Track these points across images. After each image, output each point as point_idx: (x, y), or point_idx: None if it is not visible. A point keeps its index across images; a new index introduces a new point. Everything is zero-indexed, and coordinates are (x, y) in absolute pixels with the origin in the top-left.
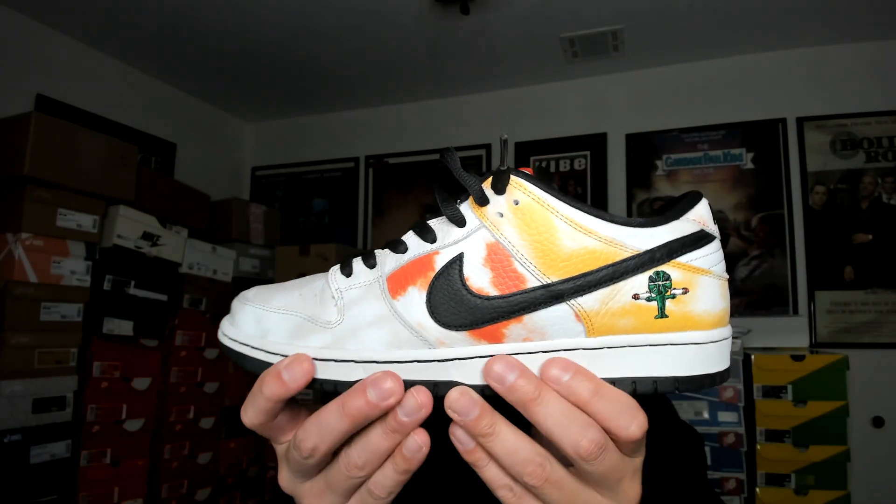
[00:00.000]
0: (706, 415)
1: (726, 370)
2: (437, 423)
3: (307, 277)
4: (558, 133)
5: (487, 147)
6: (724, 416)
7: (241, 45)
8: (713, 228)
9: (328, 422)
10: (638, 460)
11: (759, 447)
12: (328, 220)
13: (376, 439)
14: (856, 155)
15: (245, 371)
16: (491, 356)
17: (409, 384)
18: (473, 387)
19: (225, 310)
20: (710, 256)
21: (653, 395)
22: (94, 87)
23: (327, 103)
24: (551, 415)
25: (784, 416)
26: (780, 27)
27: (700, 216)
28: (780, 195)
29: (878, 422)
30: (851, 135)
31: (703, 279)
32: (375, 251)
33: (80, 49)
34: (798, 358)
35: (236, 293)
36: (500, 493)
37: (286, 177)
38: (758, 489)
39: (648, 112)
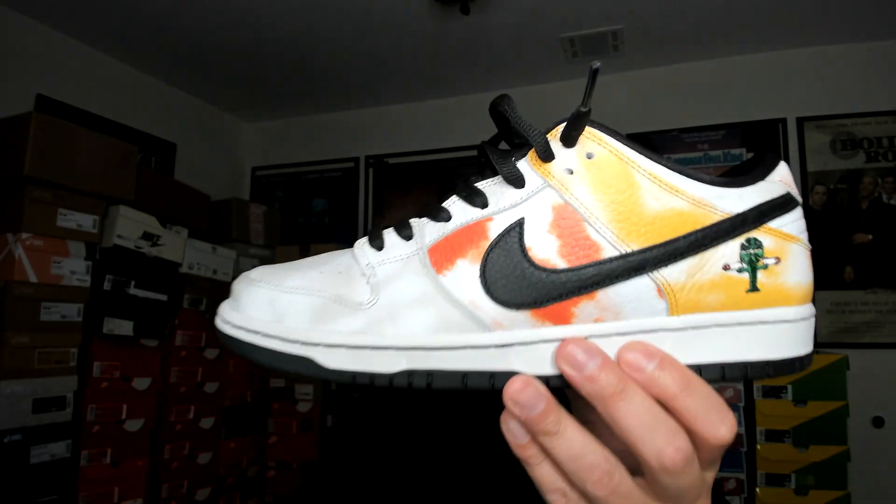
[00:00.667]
0: None
1: (812, 354)
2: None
3: (324, 254)
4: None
5: None
6: None
7: (240, 45)
8: (797, 193)
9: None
10: (711, 476)
11: (759, 447)
12: (328, 220)
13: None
14: (856, 155)
15: (253, 364)
16: (558, 340)
17: (461, 375)
18: (536, 377)
19: None
20: (799, 222)
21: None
22: (94, 87)
23: (327, 103)
24: (635, 414)
25: (784, 416)
26: (780, 27)
27: (784, 178)
28: None
29: (878, 422)
30: (851, 135)
31: (795, 247)
32: (410, 220)
33: (80, 49)
34: None
35: None
36: (551, 497)
37: (286, 177)
38: (758, 489)
39: (648, 112)
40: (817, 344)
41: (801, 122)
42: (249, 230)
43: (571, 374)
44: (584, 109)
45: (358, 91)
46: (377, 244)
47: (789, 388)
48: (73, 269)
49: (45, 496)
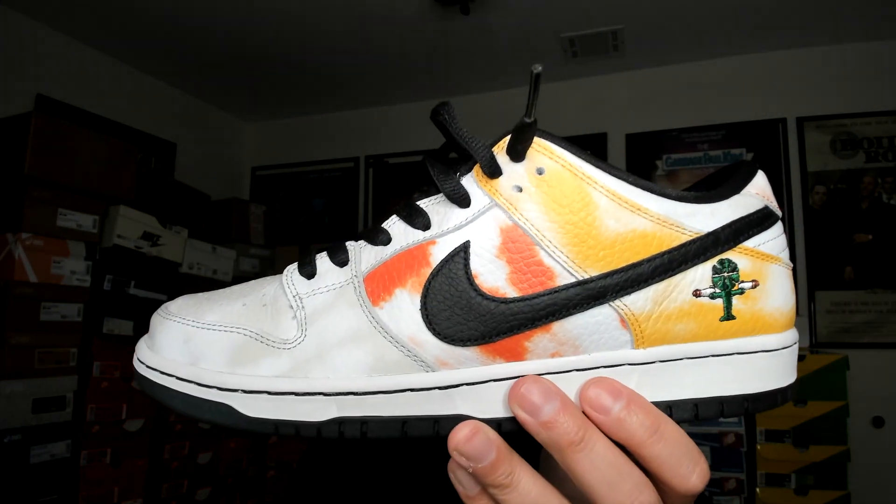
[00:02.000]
0: None
1: (795, 384)
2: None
3: (254, 281)
4: (558, 133)
5: None
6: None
7: (240, 45)
8: (776, 206)
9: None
10: None
11: (759, 447)
12: (328, 220)
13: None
14: (856, 155)
15: (173, 413)
16: (511, 378)
17: (401, 422)
18: (486, 421)
19: None
20: (778, 240)
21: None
22: (94, 87)
23: (327, 103)
24: (597, 467)
25: (784, 416)
26: (780, 27)
27: (763, 189)
28: (781, 195)
29: (878, 422)
30: (851, 135)
31: (774, 268)
32: (346, 243)
33: (80, 49)
34: (798, 358)
35: None
36: None
37: (286, 177)
38: (758, 489)
39: (648, 112)
40: (817, 344)
41: (801, 122)
42: (249, 230)
43: (525, 419)
44: (528, 120)
45: (358, 91)
46: (307, 271)
47: None
48: (73, 269)
49: (45, 496)
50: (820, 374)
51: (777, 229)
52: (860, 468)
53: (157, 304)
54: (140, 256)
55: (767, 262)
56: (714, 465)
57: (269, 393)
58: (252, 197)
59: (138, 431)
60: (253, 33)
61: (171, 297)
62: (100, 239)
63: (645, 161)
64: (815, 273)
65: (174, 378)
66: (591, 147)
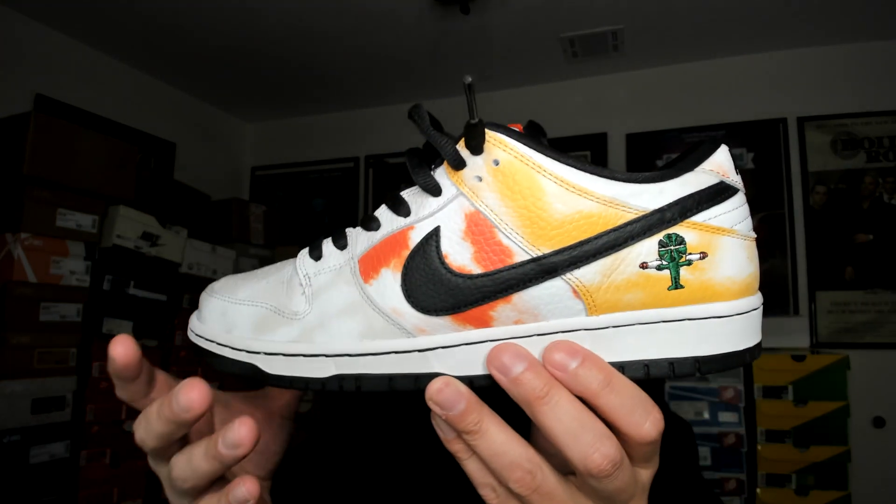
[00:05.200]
0: (706, 415)
1: (757, 346)
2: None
3: (278, 263)
4: (558, 133)
5: None
6: (725, 417)
7: (240, 45)
8: (735, 180)
9: (150, 419)
10: (647, 475)
11: (759, 447)
12: (328, 220)
13: (198, 458)
14: (856, 155)
15: (217, 371)
16: (479, 342)
17: (387, 378)
18: (459, 378)
19: None
20: (734, 213)
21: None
22: (94, 87)
23: (327, 103)
24: (560, 419)
25: (785, 417)
26: (780, 27)
27: (719, 165)
28: (781, 195)
29: (878, 422)
30: (852, 135)
31: (725, 240)
32: (346, 230)
33: (80, 49)
34: (799, 358)
35: None
36: (483, 492)
37: (286, 177)
38: (758, 489)
39: (648, 112)
40: (818, 344)
41: (801, 122)
42: (249, 230)
43: (499, 377)
44: (473, 122)
45: (358, 91)
46: (315, 254)
47: (790, 388)
48: (73, 269)
49: (45, 496)
50: (820, 375)
51: (733, 202)
52: (861, 468)
53: (156, 305)
54: (140, 256)
55: (717, 234)
56: (714, 466)
57: (283, 355)
58: (252, 197)
59: None
60: (253, 33)
61: (171, 298)
62: (99, 239)
63: (645, 161)
64: (815, 273)
65: (216, 344)
66: (591, 147)
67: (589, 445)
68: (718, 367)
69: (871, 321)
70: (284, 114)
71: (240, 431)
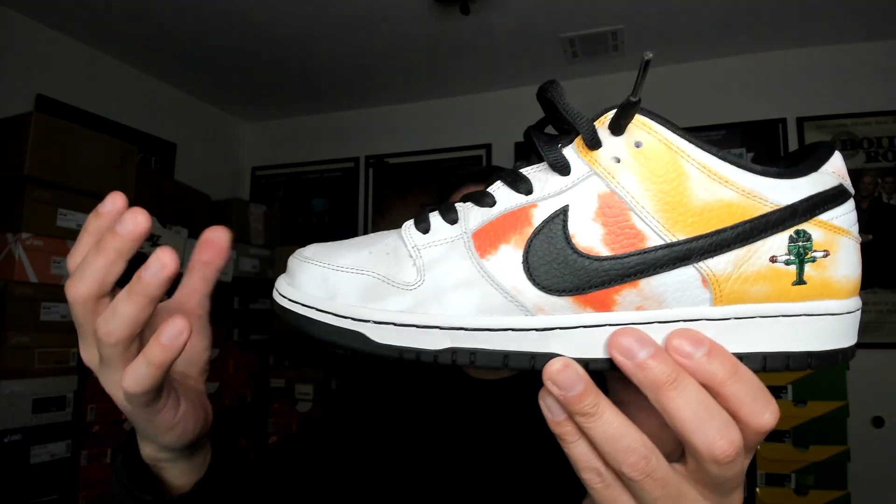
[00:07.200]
0: None
1: (855, 346)
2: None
3: (372, 235)
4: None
5: (487, 147)
6: None
7: (241, 45)
8: (850, 185)
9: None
10: (747, 463)
11: (758, 447)
12: (328, 220)
13: (122, 301)
14: (856, 155)
15: (305, 335)
16: (599, 325)
17: (503, 355)
18: (576, 360)
19: (225, 310)
20: (850, 215)
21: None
22: (94, 87)
23: (327, 103)
24: (688, 405)
25: (784, 416)
26: (781, 27)
27: (839, 169)
28: None
29: (878, 422)
30: (851, 135)
31: (844, 240)
32: (456, 204)
33: (80, 49)
34: None
35: (236, 293)
36: (586, 476)
37: (286, 177)
38: (758, 489)
39: None
40: None
41: (801, 122)
42: (249, 230)
43: (623, 361)
44: (633, 99)
45: (358, 91)
46: (423, 227)
47: (789, 388)
48: None
49: (45, 496)
50: (820, 374)
51: (849, 206)
52: (860, 468)
53: None
54: (140, 256)
55: (839, 234)
56: None
57: (394, 324)
58: (252, 197)
59: None
60: (253, 33)
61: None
62: None
63: None
64: None
65: (314, 310)
66: None
67: (716, 431)
68: (827, 362)
69: (870, 321)
70: (284, 114)
71: (162, 255)
